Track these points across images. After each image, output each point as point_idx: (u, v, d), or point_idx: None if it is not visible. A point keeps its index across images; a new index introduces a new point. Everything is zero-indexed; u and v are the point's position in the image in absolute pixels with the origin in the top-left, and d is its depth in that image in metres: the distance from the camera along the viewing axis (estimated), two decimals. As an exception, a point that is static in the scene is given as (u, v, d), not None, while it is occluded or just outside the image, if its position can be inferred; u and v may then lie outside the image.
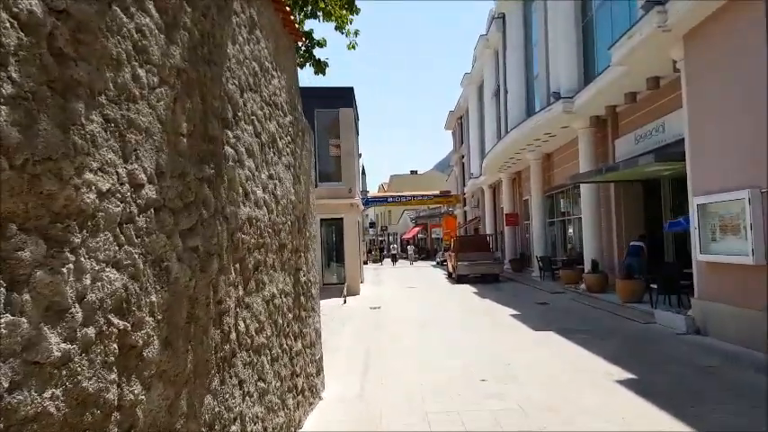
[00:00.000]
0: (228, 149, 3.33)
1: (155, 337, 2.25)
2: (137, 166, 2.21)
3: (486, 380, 6.41)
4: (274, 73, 4.74)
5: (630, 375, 6.41)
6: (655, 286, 10.86)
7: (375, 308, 14.52)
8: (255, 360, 3.62)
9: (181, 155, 2.64)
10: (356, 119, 20.44)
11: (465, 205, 39.90)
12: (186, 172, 2.68)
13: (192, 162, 2.76)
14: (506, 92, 23.39)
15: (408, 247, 44.94)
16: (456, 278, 21.97)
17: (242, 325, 3.38)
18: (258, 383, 3.63)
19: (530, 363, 7.21)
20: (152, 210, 2.31)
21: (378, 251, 48.07)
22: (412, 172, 73.44)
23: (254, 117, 3.94)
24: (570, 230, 20.59)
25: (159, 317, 2.31)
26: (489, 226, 31.35)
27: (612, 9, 13.85)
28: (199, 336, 2.69)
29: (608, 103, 13.36)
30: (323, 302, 15.79)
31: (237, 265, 3.36)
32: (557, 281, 18.60)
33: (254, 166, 3.86)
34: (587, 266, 15.14)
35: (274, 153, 4.52)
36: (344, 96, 18.01)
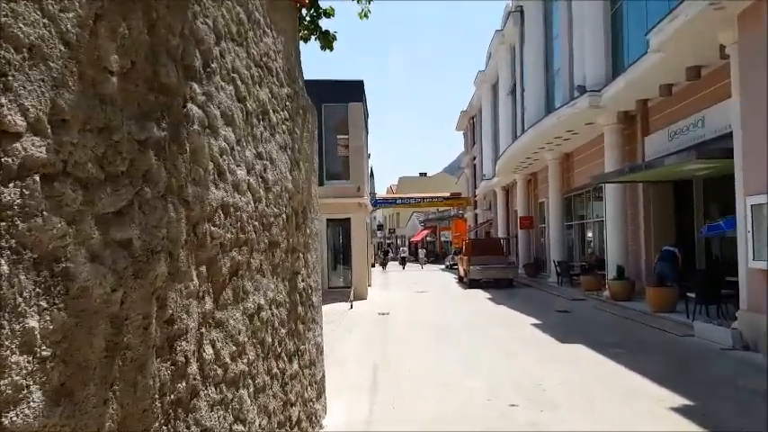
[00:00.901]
0: (194, 109, 2.43)
1: (32, 389, 1.34)
2: (3, 102, 1.31)
3: (516, 405, 5.46)
4: (267, 30, 3.84)
5: (686, 401, 5.43)
6: (692, 295, 9.83)
7: (384, 314, 13.59)
8: (231, 396, 2.70)
9: (104, 100, 1.73)
10: (366, 115, 19.54)
11: (476, 208, 38.88)
12: (113, 126, 1.77)
13: (126, 115, 1.86)
14: (523, 89, 22.40)
15: (420, 250, 43.33)
16: (468, 283, 21.00)
17: (209, 351, 2.47)
18: (234, 427, 2.71)
19: (563, 383, 6.24)
20: (36, 178, 1.40)
21: (383, 254, 41.79)
22: (421, 174, 72.41)
23: (236, 75, 3.04)
24: (589, 234, 19.56)
25: (45, 352, 1.40)
26: (501, 229, 30.32)
27: (644, -4, 12.86)
28: (129, 375, 1.78)
29: (639, 96, 12.35)
30: (328, 307, 14.90)
31: (204, 269, 2.45)
32: (575, 287, 17.57)
33: (235, 139, 2.96)
34: (610, 272, 14.10)
35: (265, 128, 3.62)
36: (354, 90, 17.13)
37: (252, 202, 3.21)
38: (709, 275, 9.66)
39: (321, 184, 17.72)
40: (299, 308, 4.35)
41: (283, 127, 4.16)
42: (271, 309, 3.53)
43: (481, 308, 14.37)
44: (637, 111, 13.34)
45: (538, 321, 11.35)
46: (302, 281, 4.48)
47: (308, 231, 4.88)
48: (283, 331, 3.81)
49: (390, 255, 42.89)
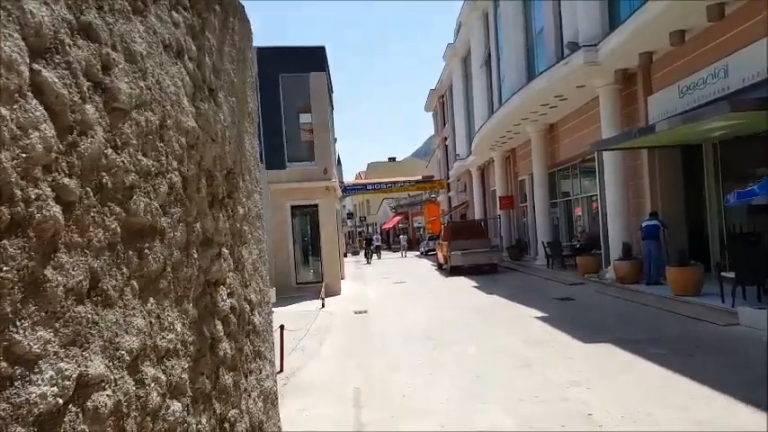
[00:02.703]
0: None
1: None
2: None
3: (570, 457, 3.72)
4: None
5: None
6: (728, 275, 8.36)
7: (360, 312, 11.77)
8: None
9: None
10: (330, 87, 17.48)
11: (449, 190, 37.32)
12: None
13: None
14: (499, 59, 20.73)
15: (401, 237, 40.56)
16: (449, 270, 19.38)
17: None
18: None
19: (619, 409, 4.55)
20: None
21: (365, 243, 35.14)
22: (390, 159, 70.63)
23: None
24: (577, 212, 18.16)
25: None
26: (478, 211, 28.83)
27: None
28: None
29: (645, 48, 10.75)
30: (295, 308, 12.95)
31: None
32: (568, 269, 16.15)
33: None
34: (613, 252, 12.65)
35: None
36: (315, 58, 15.05)
37: (45, 127, 1.29)
38: (753, 250, 8.17)
39: (283, 167, 15.73)
40: (222, 345, 2.45)
41: (174, 15, 2.21)
42: (135, 374, 1.63)
43: (471, 299, 12.70)
44: (638, 67, 11.79)
45: (542, 314, 9.73)
46: (228, 296, 2.57)
47: (243, 211, 2.96)
48: (176, 408, 1.91)
49: (375, 244, 35.19)
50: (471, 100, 27.29)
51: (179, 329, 1.95)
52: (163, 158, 1.89)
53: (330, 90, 17.77)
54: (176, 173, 2.02)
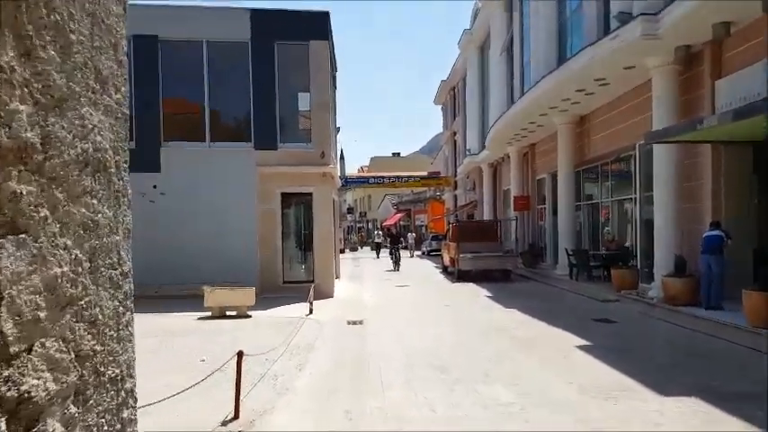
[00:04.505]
0: None
1: None
2: None
3: None
4: None
5: None
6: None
7: (355, 322, 9.78)
8: None
9: None
10: (333, 62, 15.43)
11: (456, 188, 35.27)
12: None
13: None
14: (522, 44, 18.68)
15: (409, 234, 37.39)
16: (456, 274, 17.40)
17: None
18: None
19: None
20: None
21: (388, 240, 28.28)
22: (394, 154, 68.70)
23: None
24: (604, 216, 16.13)
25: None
26: (487, 211, 26.82)
27: None
28: None
29: (724, 16, 8.70)
30: (277, 312, 10.79)
31: None
32: (595, 282, 14.14)
33: None
34: (660, 266, 10.62)
35: None
36: (316, 25, 12.98)
37: None
38: None
39: (274, 147, 13.74)
40: None
41: None
42: None
43: (487, 314, 10.70)
44: (707, 44, 9.73)
45: (583, 341, 7.73)
46: None
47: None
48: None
49: (404, 243, 29.30)
50: (487, 91, 25.27)
51: None
52: None
53: (333, 65, 15.73)
54: None
